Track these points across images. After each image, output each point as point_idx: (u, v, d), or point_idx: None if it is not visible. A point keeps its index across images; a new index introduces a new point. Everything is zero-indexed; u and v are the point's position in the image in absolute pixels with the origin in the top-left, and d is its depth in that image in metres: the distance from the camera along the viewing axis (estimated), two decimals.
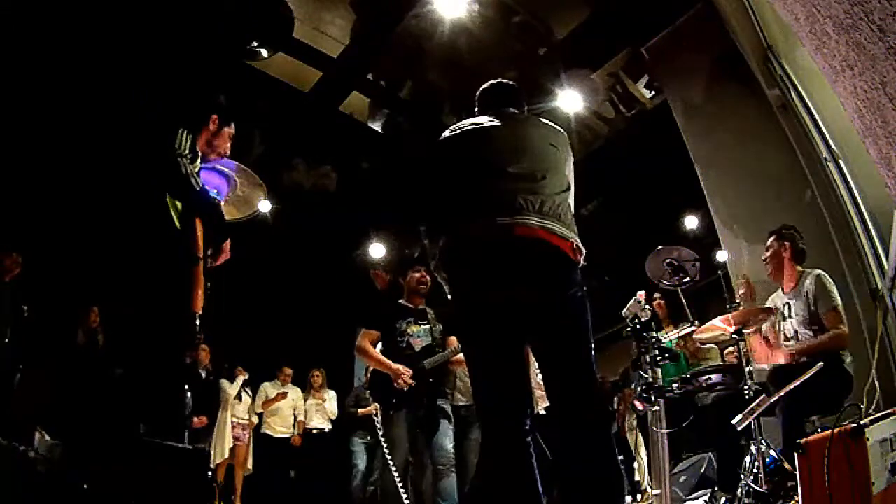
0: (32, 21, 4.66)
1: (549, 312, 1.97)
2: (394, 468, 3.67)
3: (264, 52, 5.59)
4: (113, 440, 2.17)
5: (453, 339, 3.88)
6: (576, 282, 2.04)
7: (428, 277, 4.00)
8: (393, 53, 5.90)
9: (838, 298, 3.19)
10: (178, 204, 2.47)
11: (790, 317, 3.34)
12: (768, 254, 3.47)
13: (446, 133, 2.32)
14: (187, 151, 2.45)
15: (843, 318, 3.14)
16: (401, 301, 4.06)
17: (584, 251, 2.11)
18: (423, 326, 3.91)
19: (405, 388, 3.67)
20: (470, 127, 2.28)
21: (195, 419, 5.65)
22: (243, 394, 7.00)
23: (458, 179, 2.17)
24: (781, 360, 3.26)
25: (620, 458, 3.62)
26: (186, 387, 2.58)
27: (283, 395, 7.10)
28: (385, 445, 3.71)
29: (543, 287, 1.98)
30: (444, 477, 3.79)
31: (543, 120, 2.37)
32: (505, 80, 2.54)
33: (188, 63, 5.01)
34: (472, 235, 2.03)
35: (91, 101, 5.11)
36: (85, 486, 1.90)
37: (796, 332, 3.29)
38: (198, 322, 2.46)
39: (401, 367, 3.71)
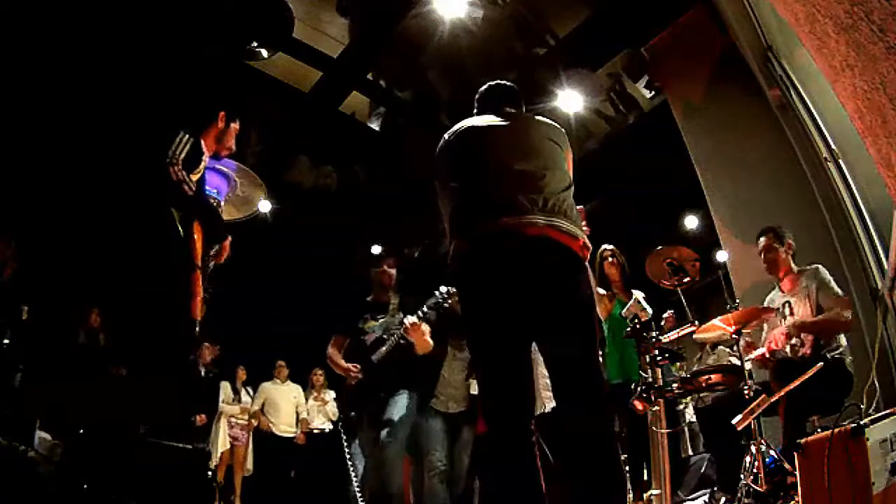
0: (32, 22, 4.66)
1: (558, 313, 1.98)
2: (354, 478, 3.53)
3: (264, 52, 5.59)
4: (113, 440, 2.17)
5: (413, 322, 3.45)
6: (584, 281, 2.05)
7: (392, 271, 3.84)
8: (393, 53, 5.90)
9: (838, 288, 3.23)
10: (179, 211, 2.47)
11: (790, 315, 3.35)
12: (766, 254, 3.46)
13: (447, 135, 2.31)
14: (182, 157, 2.44)
15: (845, 302, 3.17)
16: (368, 298, 3.87)
17: (591, 247, 2.12)
18: (379, 321, 3.71)
19: (355, 385, 3.54)
20: (470, 127, 2.28)
21: (196, 417, 5.65)
22: (242, 394, 7.00)
23: (461, 181, 2.17)
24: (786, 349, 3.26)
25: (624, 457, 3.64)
26: (188, 389, 2.58)
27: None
28: (347, 452, 3.62)
29: (552, 287, 1.98)
30: (431, 484, 3.76)
31: (541, 117, 2.37)
32: (504, 81, 2.54)
33: (188, 64, 5.01)
34: (479, 237, 2.03)
35: (91, 103, 5.11)
36: (85, 486, 1.91)
37: None
38: (197, 328, 2.46)
39: (351, 367, 3.59)
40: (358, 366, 3.56)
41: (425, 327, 3.46)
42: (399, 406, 3.44)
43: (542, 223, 1.98)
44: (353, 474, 3.51)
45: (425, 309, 3.48)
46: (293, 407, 7.22)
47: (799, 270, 3.40)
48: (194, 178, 2.53)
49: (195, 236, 2.49)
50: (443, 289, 3.48)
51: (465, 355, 4.01)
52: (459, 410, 3.98)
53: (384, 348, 3.55)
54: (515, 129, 2.25)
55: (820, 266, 3.32)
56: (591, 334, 2.00)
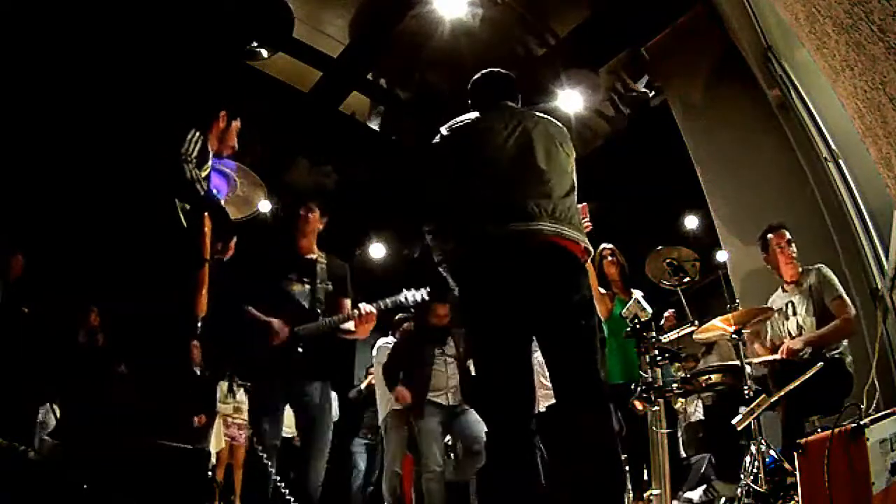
0: (33, 23, 4.66)
1: (558, 313, 2.00)
2: (261, 450, 3.00)
3: (264, 52, 5.59)
4: (113, 440, 2.17)
5: (346, 303, 3.21)
6: (585, 284, 2.07)
7: (314, 216, 3.27)
8: (393, 53, 5.89)
9: (841, 287, 3.23)
10: (186, 205, 2.47)
11: (793, 315, 3.35)
12: (788, 247, 3.43)
13: (444, 131, 2.27)
14: (195, 155, 2.45)
15: (849, 305, 3.17)
16: (286, 249, 3.27)
17: (591, 251, 2.14)
18: (305, 286, 3.15)
19: (273, 349, 3.00)
20: (473, 125, 2.24)
21: (195, 418, 5.64)
22: (239, 394, 6.97)
23: (465, 180, 2.15)
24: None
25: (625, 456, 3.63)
26: (188, 388, 2.58)
27: None
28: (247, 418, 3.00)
29: (554, 289, 2.00)
30: (428, 487, 3.78)
31: (546, 117, 2.35)
32: (498, 70, 2.51)
33: (190, 63, 5.01)
34: (485, 240, 2.03)
35: (94, 102, 5.10)
36: (85, 486, 1.90)
37: (801, 329, 3.29)
38: (199, 324, 2.46)
39: (275, 321, 3.01)
40: (286, 331, 3.02)
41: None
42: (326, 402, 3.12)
43: (549, 231, 2.01)
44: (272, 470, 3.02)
45: (388, 302, 3.20)
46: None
47: (803, 270, 3.40)
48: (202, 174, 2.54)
49: (204, 231, 2.49)
50: (416, 295, 3.24)
51: (448, 349, 4.25)
52: (456, 402, 4.05)
53: (313, 326, 3.06)
54: (522, 130, 2.21)
55: (823, 266, 3.33)
56: (591, 335, 2.02)
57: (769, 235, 3.49)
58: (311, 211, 3.26)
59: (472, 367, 4.14)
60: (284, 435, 7.20)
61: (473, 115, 2.31)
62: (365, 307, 3.08)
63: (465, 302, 2.14)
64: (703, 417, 5.68)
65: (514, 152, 2.15)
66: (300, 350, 3.02)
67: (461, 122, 2.28)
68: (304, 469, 3.04)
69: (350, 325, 3.12)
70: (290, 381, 3.05)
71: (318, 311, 3.11)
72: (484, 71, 2.51)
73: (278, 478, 2.97)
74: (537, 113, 2.36)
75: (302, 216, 3.25)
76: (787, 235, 3.46)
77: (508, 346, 2.00)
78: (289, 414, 7.48)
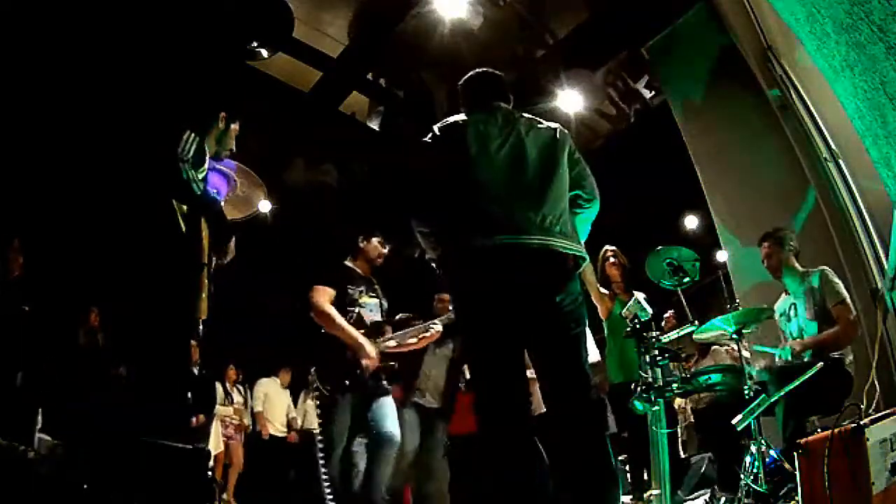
0: (33, 23, 4.66)
1: (548, 320, 2.01)
2: (323, 469, 3.15)
3: (264, 52, 5.59)
4: (113, 440, 2.17)
5: (439, 330, 3.57)
6: (574, 290, 2.07)
7: (385, 252, 3.60)
8: (393, 53, 5.90)
9: (845, 291, 3.21)
10: (184, 208, 2.46)
11: (794, 317, 3.34)
12: (768, 261, 3.46)
13: (437, 129, 2.25)
14: (191, 155, 2.44)
15: (851, 310, 3.16)
16: (348, 263, 3.53)
17: (587, 258, 2.13)
18: (373, 299, 3.44)
19: (360, 371, 3.16)
20: (465, 127, 2.21)
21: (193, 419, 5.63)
22: (235, 394, 6.97)
23: (455, 186, 2.13)
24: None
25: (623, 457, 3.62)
26: (187, 388, 2.58)
27: None
28: (320, 438, 3.16)
29: (541, 300, 2.01)
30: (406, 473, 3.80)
31: (539, 121, 2.31)
32: (490, 71, 2.48)
33: (190, 63, 5.01)
34: (475, 250, 2.03)
35: (94, 102, 5.10)
36: (85, 486, 1.91)
37: (801, 331, 3.29)
38: (200, 328, 2.46)
39: (367, 344, 3.17)
40: (377, 352, 3.21)
41: None
42: (393, 412, 3.29)
43: (537, 244, 2.00)
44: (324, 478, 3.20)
45: (444, 319, 3.59)
46: (286, 406, 7.24)
47: (804, 272, 3.39)
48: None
49: (202, 234, 2.48)
50: None
51: (443, 351, 4.12)
52: (435, 407, 4.05)
53: (392, 341, 3.32)
54: (515, 138, 2.18)
55: (827, 268, 3.31)
56: (579, 341, 2.03)
57: (764, 244, 3.51)
58: (384, 246, 3.59)
59: (465, 371, 4.14)
60: (278, 434, 7.22)
61: (469, 117, 2.28)
62: (436, 325, 3.49)
63: (458, 308, 2.17)
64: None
65: (505, 161, 2.12)
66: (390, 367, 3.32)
67: (454, 121, 2.26)
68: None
69: (415, 339, 3.42)
70: (367, 385, 3.23)
71: (406, 333, 3.43)
72: (475, 71, 2.49)
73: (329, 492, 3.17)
74: (532, 117, 2.32)
75: (373, 246, 3.56)
76: (768, 247, 3.46)
77: (500, 351, 2.02)
78: (283, 412, 7.43)
